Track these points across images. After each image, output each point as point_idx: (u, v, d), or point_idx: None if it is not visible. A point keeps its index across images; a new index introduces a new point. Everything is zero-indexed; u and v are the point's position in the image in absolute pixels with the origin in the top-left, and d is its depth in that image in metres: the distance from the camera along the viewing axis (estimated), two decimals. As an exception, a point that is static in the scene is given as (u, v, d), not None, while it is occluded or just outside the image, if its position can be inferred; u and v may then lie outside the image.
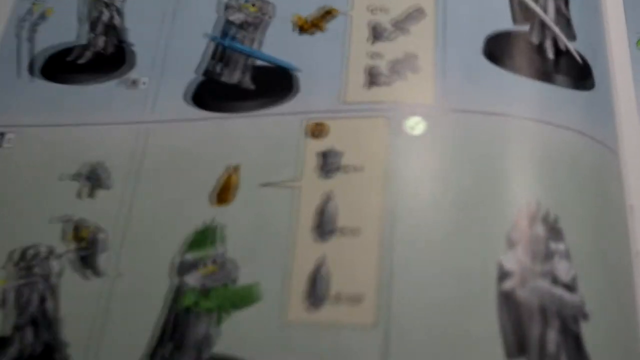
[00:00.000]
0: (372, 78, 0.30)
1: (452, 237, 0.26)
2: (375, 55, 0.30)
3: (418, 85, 0.29)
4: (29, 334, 0.28)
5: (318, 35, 0.31)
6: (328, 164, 0.28)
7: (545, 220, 0.26)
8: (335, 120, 0.29)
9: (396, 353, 0.24)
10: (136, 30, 0.34)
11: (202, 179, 0.29)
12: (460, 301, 0.25)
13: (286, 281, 0.26)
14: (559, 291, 0.25)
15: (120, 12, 0.34)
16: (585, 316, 0.25)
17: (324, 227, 0.27)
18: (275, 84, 0.30)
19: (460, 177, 0.27)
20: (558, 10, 0.31)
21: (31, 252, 0.29)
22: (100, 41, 0.34)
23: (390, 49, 0.30)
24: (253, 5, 0.33)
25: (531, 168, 0.27)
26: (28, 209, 0.30)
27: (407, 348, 0.24)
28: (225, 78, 0.32)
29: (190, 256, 0.28)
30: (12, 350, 0.28)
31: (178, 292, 0.27)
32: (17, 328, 0.28)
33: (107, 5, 0.35)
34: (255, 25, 0.32)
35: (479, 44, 0.30)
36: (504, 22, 0.30)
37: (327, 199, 0.27)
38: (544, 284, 0.25)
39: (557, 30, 0.30)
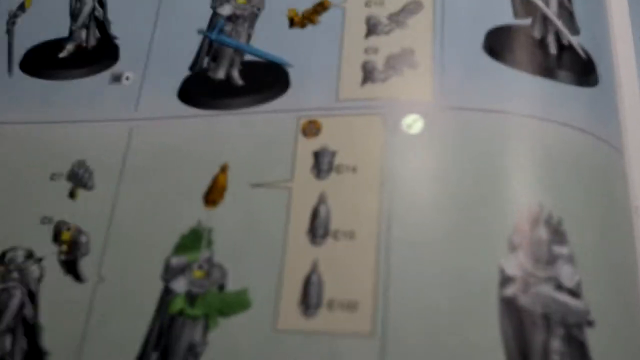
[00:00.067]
0: (367, 74, 0.29)
1: (450, 240, 0.26)
2: (369, 50, 0.30)
3: (415, 81, 0.28)
4: (6, 342, 0.28)
5: (310, 28, 0.31)
6: (320, 163, 0.28)
7: (548, 222, 0.26)
8: (328, 118, 0.29)
9: (393, 363, 0.24)
10: (120, 22, 0.33)
11: (189, 180, 0.29)
12: (460, 308, 0.24)
13: (277, 287, 0.26)
14: (563, 297, 0.25)
15: (102, 3, 0.34)
16: (590, 323, 0.25)
17: (317, 230, 0.27)
18: (265, 79, 0.30)
19: (459, 177, 0.27)
20: (561, 4, 0.30)
21: (9, 255, 0.29)
22: (82, 34, 0.34)
23: (385, 43, 0.30)
24: (242, -4, 0.33)
25: (533, 168, 0.27)
26: (5, 210, 0.30)
27: (405, 358, 0.24)
28: (212, 73, 0.31)
29: (176, 261, 0.27)
30: (-11, 359, 0.27)
31: (163, 299, 0.27)
32: (-6, 336, 0.28)
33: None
34: (245, 17, 0.32)
35: (479, 38, 0.29)
36: (504, 15, 0.30)
37: (320, 201, 0.27)
38: (548, 290, 0.25)
39: (559, 24, 0.30)
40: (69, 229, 0.29)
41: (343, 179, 0.27)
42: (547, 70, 0.29)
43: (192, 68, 0.31)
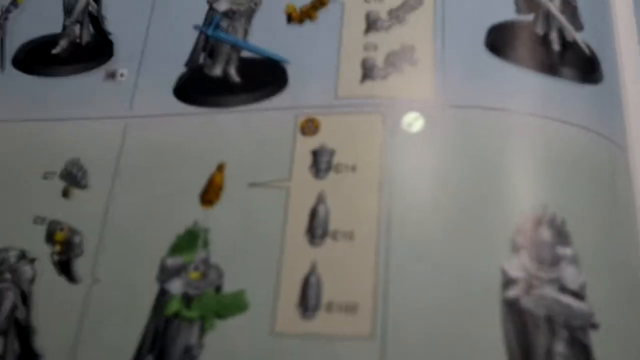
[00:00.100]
0: (367, 71, 0.29)
1: (451, 240, 0.25)
2: (369, 46, 0.29)
3: (415, 79, 0.28)
4: (-1, 344, 0.27)
5: (309, 24, 0.31)
6: (319, 162, 0.28)
7: (552, 223, 0.25)
8: (327, 116, 0.28)
9: (394, 366, 0.24)
10: (114, 18, 0.33)
11: (185, 179, 0.28)
12: (460, 309, 0.24)
13: (275, 289, 0.26)
14: (567, 300, 0.24)
15: (96, -1, 0.34)
16: (594, 326, 0.24)
17: (315, 230, 0.26)
18: (263, 77, 0.30)
19: (460, 177, 0.26)
20: (564, -1, 0.30)
21: (1, 256, 0.29)
22: (75, 29, 0.33)
23: (385, 40, 0.29)
24: (239, -9, 0.32)
25: (535, 166, 0.26)
26: (-2, 209, 0.30)
27: (406, 361, 0.24)
28: (209, 70, 0.31)
29: (171, 262, 0.27)
30: (-19, 362, 0.27)
31: (159, 301, 0.27)
32: (-14, 338, 0.28)
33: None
34: (241, 13, 0.32)
35: (481, 35, 0.29)
36: (507, 11, 0.30)
37: (318, 201, 0.27)
38: (551, 292, 0.24)
39: (563, 20, 0.30)
40: (62, 229, 0.29)
41: (342, 178, 0.27)
42: (550, 67, 0.28)
43: (187, 65, 0.31)
